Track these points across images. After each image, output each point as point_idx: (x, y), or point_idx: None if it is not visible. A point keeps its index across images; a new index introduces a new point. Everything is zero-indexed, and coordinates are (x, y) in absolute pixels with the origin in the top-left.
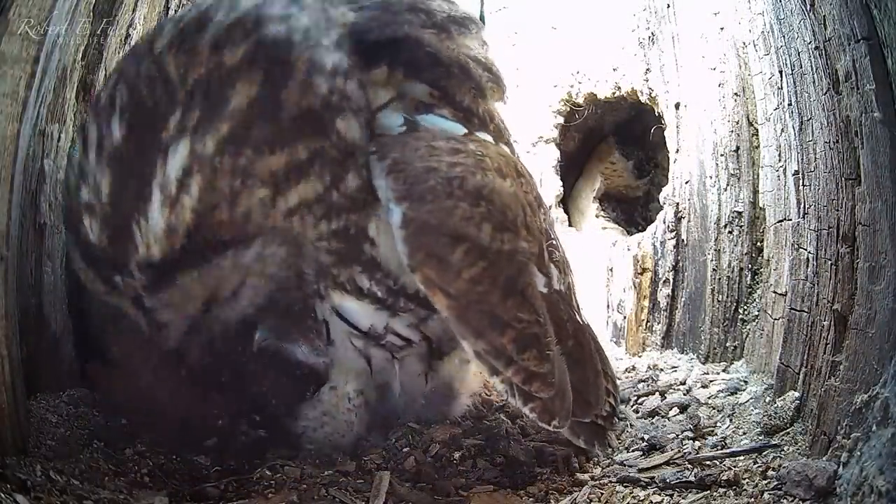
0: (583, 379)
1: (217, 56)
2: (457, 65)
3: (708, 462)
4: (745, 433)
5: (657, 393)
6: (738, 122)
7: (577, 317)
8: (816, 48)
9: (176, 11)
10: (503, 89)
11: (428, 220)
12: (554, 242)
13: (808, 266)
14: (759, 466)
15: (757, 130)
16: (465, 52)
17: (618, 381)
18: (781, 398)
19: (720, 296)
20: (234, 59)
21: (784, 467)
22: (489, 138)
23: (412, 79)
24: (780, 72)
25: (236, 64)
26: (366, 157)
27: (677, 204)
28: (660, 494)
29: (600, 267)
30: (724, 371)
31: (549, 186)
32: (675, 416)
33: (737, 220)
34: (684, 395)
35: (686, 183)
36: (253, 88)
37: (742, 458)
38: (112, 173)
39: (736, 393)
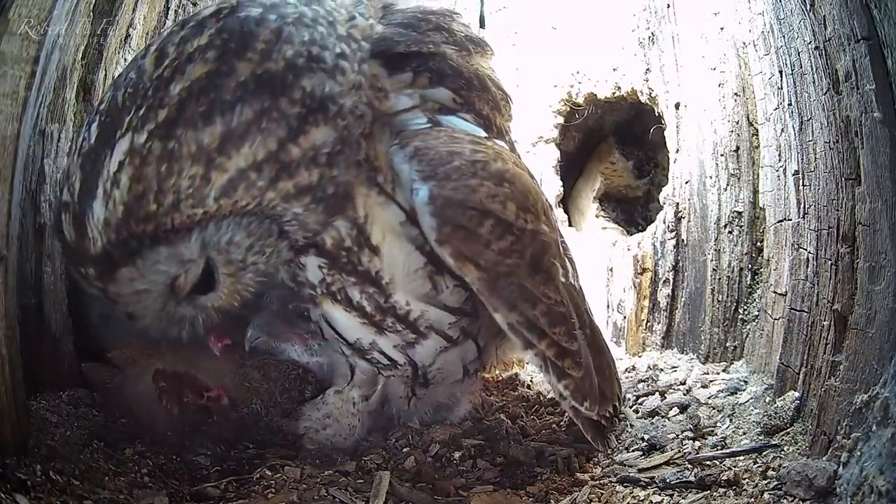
0: (599, 370)
1: (183, 46)
2: (476, 78)
3: (708, 462)
4: (745, 433)
5: (657, 393)
6: (738, 122)
7: (591, 314)
8: (816, 48)
9: (176, 12)
10: (511, 110)
11: (454, 195)
12: (565, 242)
13: (808, 266)
14: (759, 466)
15: (757, 130)
16: (480, 69)
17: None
18: (781, 398)
19: (720, 296)
20: (197, 44)
21: (784, 467)
22: (505, 146)
23: (437, 85)
24: (780, 72)
25: (197, 48)
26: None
27: (677, 204)
28: (660, 494)
29: (600, 267)
30: (724, 371)
31: (549, 186)
32: (675, 416)
33: (737, 220)
34: (684, 395)
35: (686, 183)
36: (202, 68)
37: (742, 458)
38: (82, 173)
39: (736, 393)
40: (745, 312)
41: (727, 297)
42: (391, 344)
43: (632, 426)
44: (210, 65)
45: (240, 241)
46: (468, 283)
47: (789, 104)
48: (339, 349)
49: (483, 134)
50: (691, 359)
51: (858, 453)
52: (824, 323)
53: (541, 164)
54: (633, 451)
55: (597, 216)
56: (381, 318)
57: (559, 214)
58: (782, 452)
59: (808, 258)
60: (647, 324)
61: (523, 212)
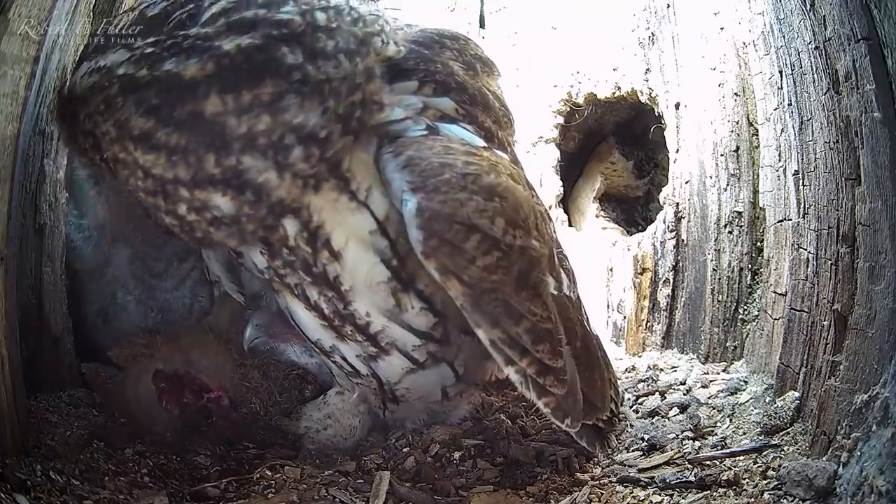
0: (590, 382)
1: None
2: (479, 94)
3: (708, 462)
4: (745, 433)
5: (657, 393)
6: (738, 122)
7: (586, 324)
8: (816, 48)
9: None
10: (513, 127)
11: (442, 209)
12: (563, 252)
13: (808, 266)
14: (759, 466)
15: (757, 130)
16: (486, 88)
17: (618, 383)
18: (781, 398)
19: (720, 296)
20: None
21: (784, 467)
22: (506, 157)
23: (441, 95)
24: (780, 72)
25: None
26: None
27: (677, 204)
28: (660, 494)
29: (600, 267)
30: (724, 371)
31: (549, 186)
32: (675, 416)
33: (737, 220)
34: (684, 395)
35: (686, 183)
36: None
37: (742, 458)
38: None
39: (736, 393)
40: (745, 312)
41: (727, 297)
42: (353, 353)
43: (632, 426)
44: None
45: None
46: (452, 297)
47: (789, 104)
48: (311, 346)
49: (482, 144)
50: (691, 359)
51: (858, 453)
52: (824, 323)
53: (541, 164)
54: (633, 451)
55: (597, 216)
56: (340, 324)
57: (559, 214)
58: (782, 452)
59: (808, 258)
60: (647, 324)
61: (513, 227)
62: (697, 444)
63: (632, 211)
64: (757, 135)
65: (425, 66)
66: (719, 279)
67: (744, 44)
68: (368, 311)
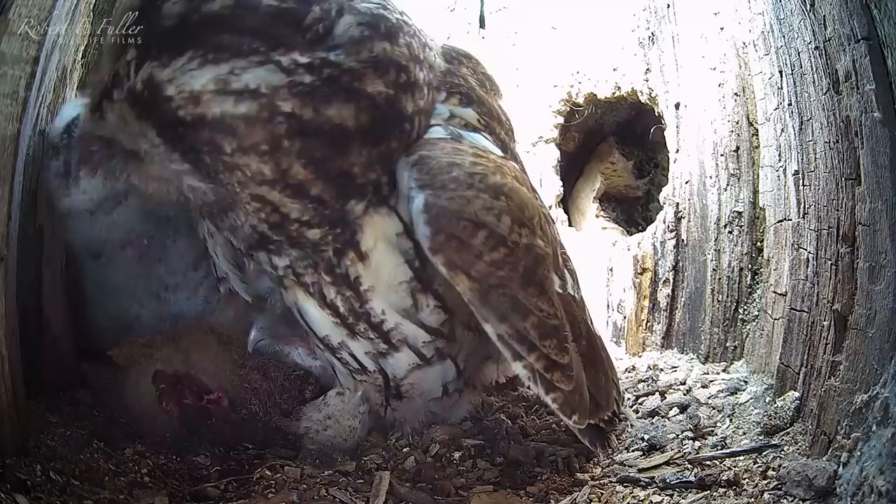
0: (594, 380)
1: None
2: (493, 109)
3: (708, 462)
4: (745, 433)
5: (657, 393)
6: (738, 122)
7: (590, 324)
8: (816, 48)
9: None
10: (515, 142)
11: (449, 205)
12: (566, 254)
13: (808, 266)
14: (759, 466)
15: (757, 130)
16: (494, 103)
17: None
18: (781, 398)
19: (720, 296)
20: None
21: (784, 467)
22: (516, 165)
23: (466, 106)
24: (780, 72)
25: None
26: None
27: (677, 204)
28: (660, 494)
29: (600, 267)
30: (724, 371)
31: (549, 186)
32: (675, 416)
33: (737, 220)
34: (684, 395)
35: (686, 183)
36: None
37: (742, 458)
38: None
39: (736, 393)
40: (745, 312)
41: (727, 297)
42: (362, 350)
43: (632, 426)
44: None
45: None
46: (460, 292)
47: (789, 104)
48: (315, 343)
49: (500, 153)
50: (691, 359)
51: (858, 453)
52: (824, 323)
53: (541, 164)
54: (633, 451)
55: (597, 216)
56: (354, 322)
57: (559, 214)
58: (782, 452)
59: (808, 258)
60: (647, 324)
61: (518, 226)
62: (697, 444)
63: (632, 211)
64: (757, 135)
65: (451, 78)
66: (719, 279)
67: (744, 44)
68: (384, 310)
